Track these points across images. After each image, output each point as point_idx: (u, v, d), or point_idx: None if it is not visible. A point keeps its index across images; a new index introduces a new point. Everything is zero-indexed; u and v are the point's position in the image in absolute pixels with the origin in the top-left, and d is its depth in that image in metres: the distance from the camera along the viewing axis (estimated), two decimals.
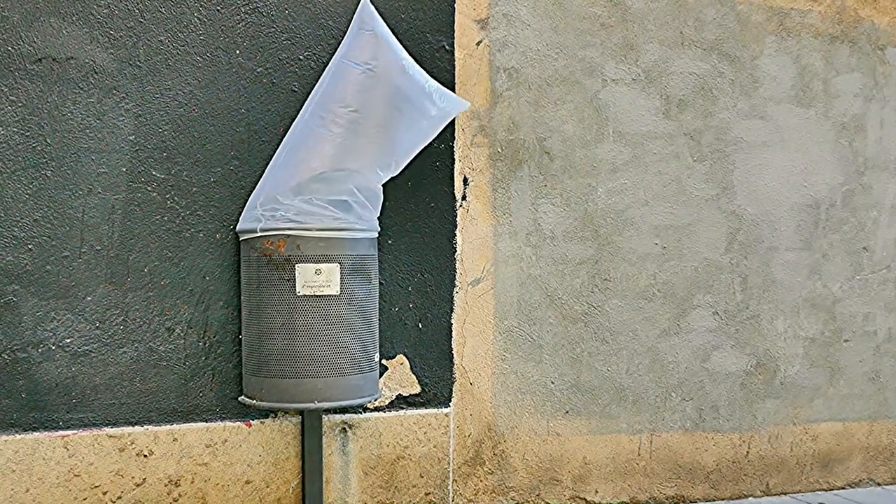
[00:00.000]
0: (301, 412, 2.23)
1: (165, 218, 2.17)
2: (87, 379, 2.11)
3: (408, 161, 2.18)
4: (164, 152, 2.16)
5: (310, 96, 2.16)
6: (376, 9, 2.32)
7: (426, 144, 2.20)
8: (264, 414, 2.25)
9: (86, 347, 2.11)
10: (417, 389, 2.41)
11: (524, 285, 2.52)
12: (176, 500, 2.17)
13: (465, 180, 2.46)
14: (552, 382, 2.56)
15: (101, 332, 2.12)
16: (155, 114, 2.15)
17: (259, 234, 2.05)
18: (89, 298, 2.11)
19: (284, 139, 2.15)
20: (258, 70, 2.24)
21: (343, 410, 2.31)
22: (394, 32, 2.29)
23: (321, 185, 2.03)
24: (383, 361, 2.36)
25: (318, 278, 2.03)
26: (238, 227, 2.15)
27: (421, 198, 2.40)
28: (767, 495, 2.80)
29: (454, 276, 2.44)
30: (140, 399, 2.15)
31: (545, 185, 2.54)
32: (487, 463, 2.50)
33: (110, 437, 2.12)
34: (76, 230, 2.10)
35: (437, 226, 2.43)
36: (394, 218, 2.36)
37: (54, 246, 2.08)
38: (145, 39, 2.14)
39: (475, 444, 2.48)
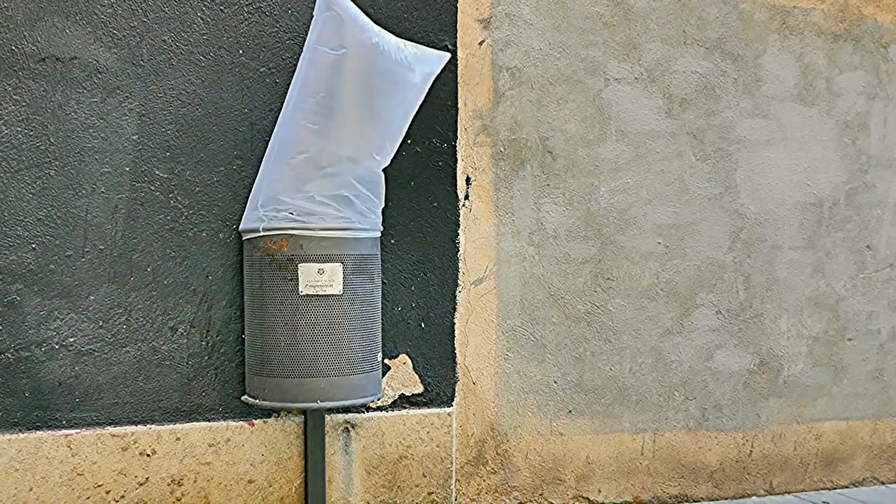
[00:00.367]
0: (304, 412, 2.23)
1: (169, 217, 2.17)
2: (91, 378, 2.11)
3: (401, 137, 2.16)
4: (167, 152, 2.17)
5: (291, 86, 2.13)
6: (378, 9, 2.33)
7: (415, 113, 2.17)
8: (267, 413, 2.25)
9: (89, 346, 2.11)
10: (420, 389, 2.41)
11: (527, 285, 2.52)
12: (179, 500, 2.17)
13: (468, 180, 2.46)
14: (555, 382, 2.56)
15: (104, 331, 2.12)
16: (158, 113, 2.16)
17: (262, 233, 2.05)
18: (92, 298, 2.11)
19: (274, 132, 2.13)
20: (261, 70, 2.24)
21: (346, 410, 2.31)
22: (396, 33, 2.29)
23: (320, 180, 2.03)
24: (386, 361, 2.36)
25: (320, 278, 2.03)
26: (241, 227, 2.15)
27: (423, 197, 2.40)
28: (771, 494, 2.80)
29: (457, 275, 2.44)
30: (143, 398, 2.16)
31: (548, 185, 2.54)
32: (490, 462, 2.50)
33: (113, 436, 2.12)
34: (80, 229, 2.10)
35: (439, 225, 2.43)
36: (396, 217, 2.36)
37: (58, 245, 2.08)
38: (149, 39, 2.15)
39: (478, 443, 2.48)
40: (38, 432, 2.07)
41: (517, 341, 2.51)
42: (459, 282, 2.45)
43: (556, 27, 2.53)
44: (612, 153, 2.60)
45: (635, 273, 2.62)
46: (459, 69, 2.43)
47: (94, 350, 2.11)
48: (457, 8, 2.42)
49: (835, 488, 2.87)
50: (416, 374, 2.40)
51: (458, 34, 2.43)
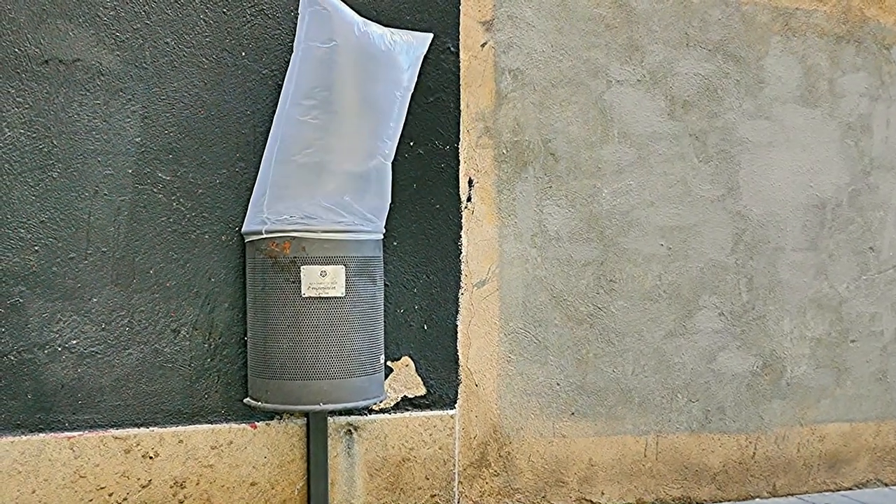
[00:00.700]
0: (306, 414, 2.23)
1: (171, 220, 2.17)
2: (93, 380, 2.11)
3: (400, 128, 2.15)
4: (170, 154, 2.17)
5: (285, 86, 2.12)
6: (381, 11, 2.33)
7: (410, 105, 2.17)
8: (269, 416, 2.25)
9: (92, 349, 2.11)
10: (423, 391, 2.41)
11: (529, 287, 2.52)
12: (181, 502, 2.17)
13: (471, 182, 2.46)
14: (558, 384, 2.55)
15: (106, 333, 2.12)
16: (161, 115, 2.16)
17: (264, 235, 2.05)
18: (95, 300, 2.11)
19: (272, 132, 2.12)
20: (264, 72, 2.24)
21: (348, 412, 2.31)
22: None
23: (322, 181, 2.03)
24: (388, 363, 2.36)
25: (323, 280, 2.03)
26: (243, 229, 2.15)
27: (426, 199, 2.40)
28: (774, 496, 2.79)
29: (459, 277, 2.44)
30: (146, 400, 2.16)
31: (550, 187, 2.53)
32: (493, 465, 2.49)
33: (116, 438, 2.12)
34: (82, 232, 2.10)
35: (442, 227, 2.42)
36: (399, 219, 2.36)
37: (60, 247, 2.09)
38: (152, 41, 2.15)
39: (481, 445, 2.48)
40: (40, 434, 2.07)
41: (520, 343, 2.51)
42: (462, 284, 2.44)
43: (558, 29, 2.53)
44: (614, 155, 2.60)
45: (638, 275, 2.62)
46: (461, 71, 2.43)
47: (96, 352, 2.11)
48: (459, 10, 2.42)
49: (838, 490, 2.87)
50: (419, 376, 2.40)
51: (460, 36, 2.43)
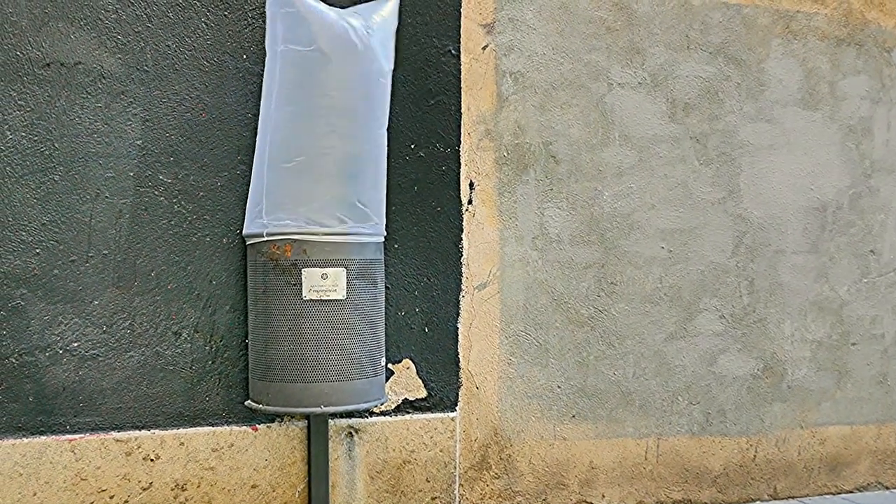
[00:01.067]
0: (307, 416, 2.23)
1: (172, 222, 2.17)
2: (94, 383, 2.11)
3: (388, 109, 2.16)
4: (171, 157, 2.17)
5: (266, 87, 2.10)
6: None
7: (393, 69, 2.19)
8: (270, 418, 2.25)
9: (93, 351, 2.11)
10: (423, 394, 2.41)
11: (530, 289, 2.52)
12: None
13: (471, 184, 2.46)
14: (558, 386, 2.55)
15: (108, 336, 2.12)
16: (162, 118, 2.16)
17: (265, 238, 2.05)
18: (96, 302, 2.11)
19: (260, 135, 2.10)
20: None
21: (349, 415, 2.31)
22: (399, 36, 2.30)
23: (322, 183, 2.03)
24: (389, 366, 2.36)
25: (324, 283, 2.03)
26: (244, 232, 2.15)
27: (427, 202, 2.40)
28: (775, 499, 2.79)
29: (460, 280, 2.44)
30: (147, 403, 2.16)
31: (551, 189, 2.54)
32: (494, 467, 2.49)
33: (117, 441, 2.12)
34: (84, 234, 2.10)
35: (443, 230, 2.43)
36: (400, 222, 2.36)
37: (62, 250, 2.09)
38: (153, 44, 2.15)
39: (481, 448, 2.48)
40: (41, 437, 2.07)
41: (520, 346, 2.51)
42: (463, 286, 2.45)
43: (559, 32, 2.53)
44: (615, 158, 2.60)
45: (639, 277, 2.62)
46: (463, 74, 2.43)
47: (97, 355, 2.11)
48: (460, 13, 2.42)
49: (839, 493, 2.86)
50: (420, 378, 2.40)
51: (461, 39, 2.43)
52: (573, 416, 2.57)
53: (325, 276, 2.03)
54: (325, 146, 2.03)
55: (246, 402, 2.17)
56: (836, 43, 2.83)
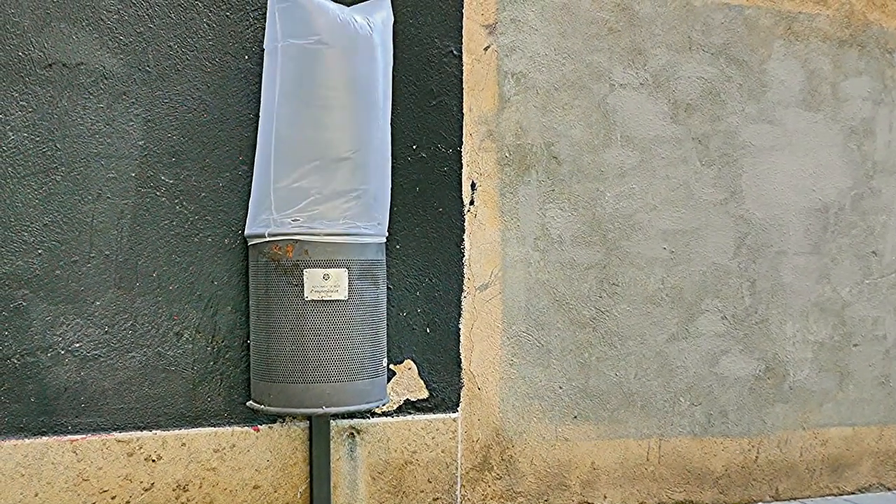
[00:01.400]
0: (309, 417, 2.23)
1: (174, 223, 2.17)
2: (96, 383, 2.11)
3: (390, 104, 2.17)
4: (173, 157, 2.17)
5: (266, 84, 2.09)
6: None
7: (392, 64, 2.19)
8: (272, 419, 2.25)
9: (95, 352, 2.11)
10: (425, 394, 2.41)
11: (532, 290, 2.52)
12: None
13: (473, 185, 2.46)
14: (560, 387, 2.55)
15: (109, 336, 2.12)
16: (164, 119, 2.16)
17: (267, 238, 2.05)
18: (98, 303, 2.11)
19: (262, 134, 2.10)
20: None
21: (351, 415, 2.31)
22: (401, 37, 2.30)
23: (324, 183, 2.03)
24: (391, 366, 2.36)
25: (326, 283, 2.03)
26: (246, 232, 2.15)
27: (429, 203, 2.40)
28: (777, 500, 2.79)
29: (462, 280, 2.44)
30: (148, 404, 2.16)
31: (553, 190, 2.53)
32: (495, 468, 2.49)
33: (119, 441, 2.12)
34: (85, 235, 2.10)
35: (444, 231, 2.42)
36: (402, 223, 2.36)
37: (64, 251, 2.09)
38: (155, 45, 2.15)
39: (483, 449, 2.48)
40: (43, 437, 2.07)
41: (522, 347, 2.51)
42: (464, 287, 2.44)
43: (561, 33, 2.53)
44: (617, 159, 2.60)
45: (640, 279, 2.62)
46: (465, 74, 2.43)
47: (99, 355, 2.11)
48: (462, 13, 2.42)
49: (841, 494, 2.86)
50: (422, 379, 2.40)
51: (463, 40, 2.43)
52: (575, 417, 2.57)
53: (326, 277, 2.03)
54: (326, 146, 2.03)
55: (247, 403, 2.17)
56: (839, 44, 2.83)
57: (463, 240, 2.44)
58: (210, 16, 2.20)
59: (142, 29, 2.14)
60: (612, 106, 2.59)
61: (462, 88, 2.43)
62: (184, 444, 2.17)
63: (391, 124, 2.21)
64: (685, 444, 2.68)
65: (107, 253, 2.12)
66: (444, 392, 2.43)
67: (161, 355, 2.16)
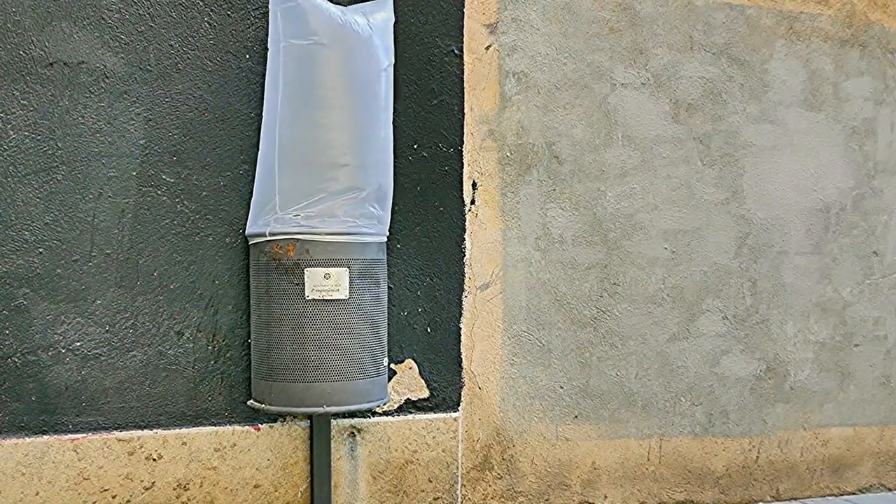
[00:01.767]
0: (310, 416, 2.23)
1: (175, 222, 2.17)
2: (97, 382, 2.11)
3: (392, 104, 2.17)
4: (174, 156, 2.17)
5: (269, 85, 2.09)
6: None
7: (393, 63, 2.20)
8: (273, 418, 2.25)
9: (95, 351, 2.11)
10: (426, 394, 2.41)
11: (533, 290, 2.51)
12: None
13: (474, 184, 2.46)
14: (561, 387, 2.55)
15: (110, 335, 2.12)
16: (165, 118, 2.16)
17: (268, 237, 2.05)
18: (99, 302, 2.11)
19: (264, 133, 2.10)
20: None
21: (352, 415, 2.31)
22: (402, 37, 2.30)
23: (325, 183, 2.03)
24: (392, 366, 2.36)
25: (327, 282, 2.03)
26: (247, 231, 2.15)
27: (430, 202, 2.40)
28: (777, 500, 2.79)
29: (463, 280, 2.44)
30: (149, 403, 2.16)
31: (554, 190, 2.53)
32: (496, 468, 2.49)
33: (119, 440, 2.12)
34: (86, 234, 2.10)
35: (445, 230, 2.42)
36: (403, 222, 2.36)
37: (65, 249, 2.09)
38: (156, 44, 2.15)
39: (484, 448, 2.48)
40: (44, 436, 2.07)
41: (523, 346, 2.51)
42: (465, 287, 2.44)
43: (562, 32, 2.53)
44: (618, 158, 2.59)
45: (641, 278, 2.62)
46: (466, 74, 2.43)
47: (100, 354, 2.11)
48: (463, 13, 2.42)
49: (841, 495, 2.86)
50: (422, 378, 2.40)
51: (464, 39, 2.43)
52: (575, 417, 2.57)
53: (327, 276, 2.03)
54: (327, 146, 2.03)
55: (248, 402, 2.17)
56: (840, 44, 2.82)
57: (464, 239, 2.44)
58: (211, 15, 2.20)
59: (143, 28, 2.14)
60: (614, 105, 2.59)
61: (463, 88, 2.43)
62: (184, 443, 2.17)
63: (392, 123, 2.21)
64: (686, 444, 2.68)
65: (108, 252, 2.12)
66: (444, 391, 2.42)
67: (162, 354, 2.16)
